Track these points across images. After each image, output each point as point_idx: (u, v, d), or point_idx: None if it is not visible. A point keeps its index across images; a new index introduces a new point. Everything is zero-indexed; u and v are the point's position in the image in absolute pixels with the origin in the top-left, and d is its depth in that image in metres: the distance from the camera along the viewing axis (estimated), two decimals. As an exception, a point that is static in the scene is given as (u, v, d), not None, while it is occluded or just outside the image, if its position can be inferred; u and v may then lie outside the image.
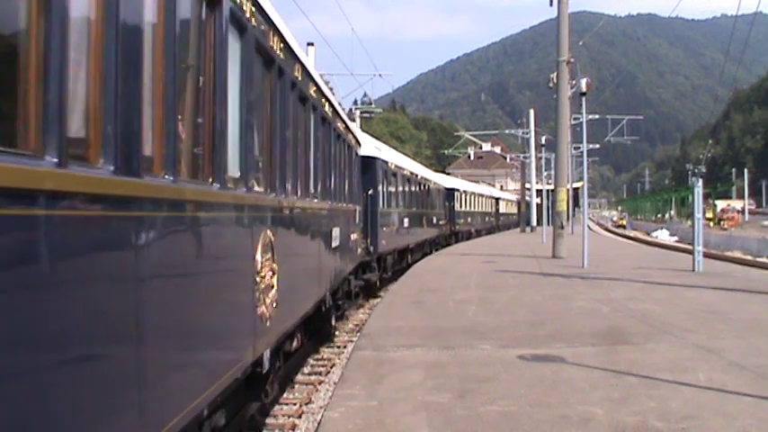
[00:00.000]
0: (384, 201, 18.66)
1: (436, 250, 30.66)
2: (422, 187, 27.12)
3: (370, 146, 18.33)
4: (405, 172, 23.13)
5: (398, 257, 21.78)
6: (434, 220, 30.55)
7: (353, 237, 13.43)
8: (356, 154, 15.00)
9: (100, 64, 2.89)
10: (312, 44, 25.62)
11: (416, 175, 25.85)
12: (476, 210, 45.38)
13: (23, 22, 2.39)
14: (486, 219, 51.80)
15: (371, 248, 16.95)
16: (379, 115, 71.92)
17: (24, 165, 2.28)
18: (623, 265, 21.11)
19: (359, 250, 14.61)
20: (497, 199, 58.99)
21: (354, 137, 14.85)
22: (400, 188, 21.88)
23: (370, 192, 17.15)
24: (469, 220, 42.98)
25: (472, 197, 43.87)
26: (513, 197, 74.83)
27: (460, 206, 39.10)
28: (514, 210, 71.25)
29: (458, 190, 38.48)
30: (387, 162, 19.75)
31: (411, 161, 28.66)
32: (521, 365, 7.43)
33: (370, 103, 52.25)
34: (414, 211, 24.34)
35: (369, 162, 17.30)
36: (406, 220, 22.28)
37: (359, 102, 62.82)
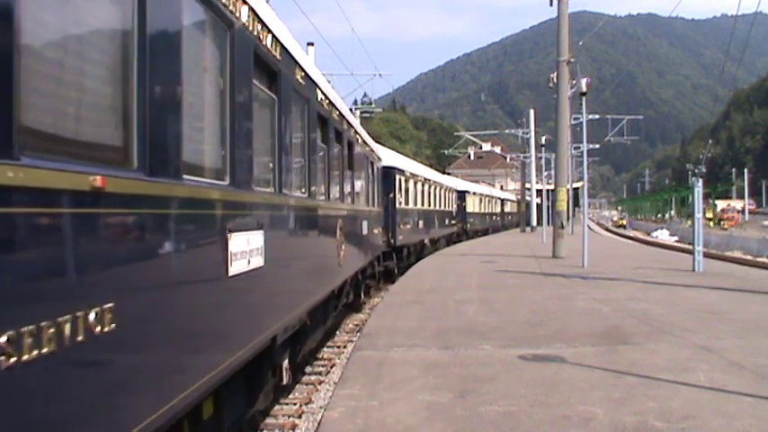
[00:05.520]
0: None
1: (370, 279, 17.25)
2: (347, 149, 12.13)
3: None
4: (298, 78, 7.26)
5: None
6: (365, 227, 14.64)
7: None
8: None
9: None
10: (312, 44, 25.61)
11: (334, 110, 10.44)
12: (430, 207, 29.20)
13: None
14: (447, 221, 35.24)
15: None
16: (379, 115, 72.07)
17: None
18: (623, 264, 21.09)
19: None
20: (463, 192, 41.37)
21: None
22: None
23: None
24: (420, 224, 26.55)
25: (424, 187, 27.78)
26: (489, 190, 58.37)
27: (406, 201, 23.64)
28: (496, 209, 57.56)
29: (403, 173, 23.07)
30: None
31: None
32: (521, 365, 7.42)
33: (371, 103, 52.39)
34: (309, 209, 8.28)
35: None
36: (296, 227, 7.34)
37: (359, 102, 62.96)
